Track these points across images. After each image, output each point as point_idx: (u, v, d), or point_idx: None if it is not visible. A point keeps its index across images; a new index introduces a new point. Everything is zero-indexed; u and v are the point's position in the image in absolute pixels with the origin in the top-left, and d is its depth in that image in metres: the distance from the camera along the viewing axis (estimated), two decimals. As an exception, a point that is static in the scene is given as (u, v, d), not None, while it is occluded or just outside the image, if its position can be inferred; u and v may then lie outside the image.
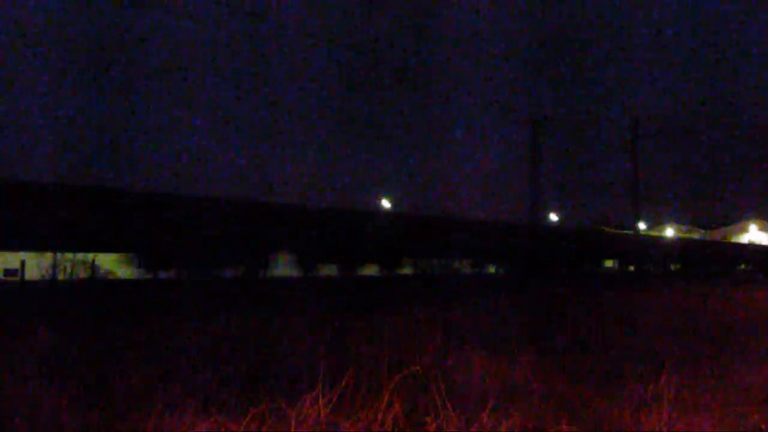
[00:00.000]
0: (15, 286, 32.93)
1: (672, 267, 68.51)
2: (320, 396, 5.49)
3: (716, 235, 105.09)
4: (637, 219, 63.37)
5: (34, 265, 44.90)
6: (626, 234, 63.16)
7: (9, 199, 22.50)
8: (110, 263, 38.19)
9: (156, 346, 10.27)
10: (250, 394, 6.43)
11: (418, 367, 6.63)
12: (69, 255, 45.44)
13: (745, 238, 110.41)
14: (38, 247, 29.06)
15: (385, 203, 64.52)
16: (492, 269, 47.20)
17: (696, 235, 69.75)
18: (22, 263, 44.12)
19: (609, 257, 61.16)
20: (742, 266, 79.82)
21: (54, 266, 44.31)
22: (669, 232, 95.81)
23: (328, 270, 34.49)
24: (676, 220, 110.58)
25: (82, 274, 43.93)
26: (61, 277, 43.58)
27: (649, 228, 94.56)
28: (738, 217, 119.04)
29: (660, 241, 70.26)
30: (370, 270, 36.42)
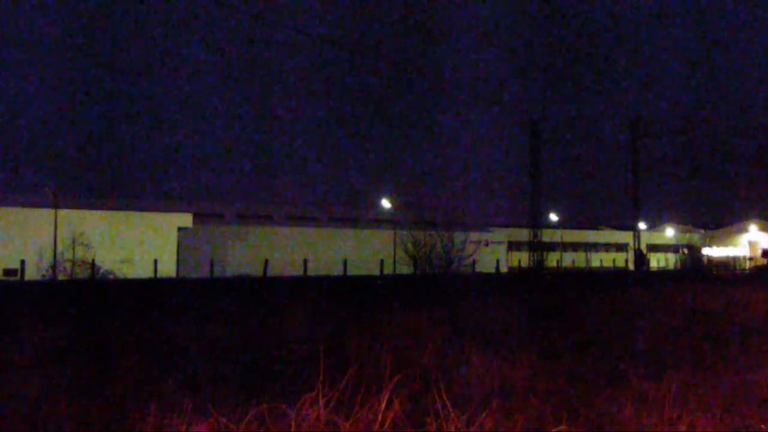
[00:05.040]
0: (14, 285, 32.90)
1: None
2: (320, 395, 5.47)
3: (716, 235, 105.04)
4: (637, 219, 63.37)
5: (34, 265, 44.87)
6: None
7: None
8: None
9: (155, 346, 10.25)
10: (250, 393, 6.41)
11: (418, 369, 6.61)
12: (69, 255, 45.43)
13: (745, 238, 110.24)
14: None
15: (385, 203, 64.36)
16: None
17: (696, 235, 69.57)
18: (22, 263, 44.06)
19: None
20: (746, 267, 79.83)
21: (54, 266, 44.27)
22: (669, 232, 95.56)
23: None
24: (676, 220, 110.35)
25: (83, 274, 43.92)
26: (61, 277, 43.56)
27: (649, 228, 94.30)
28: (738, 217, 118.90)
29: None
30: None
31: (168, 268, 51.26)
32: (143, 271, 48.06)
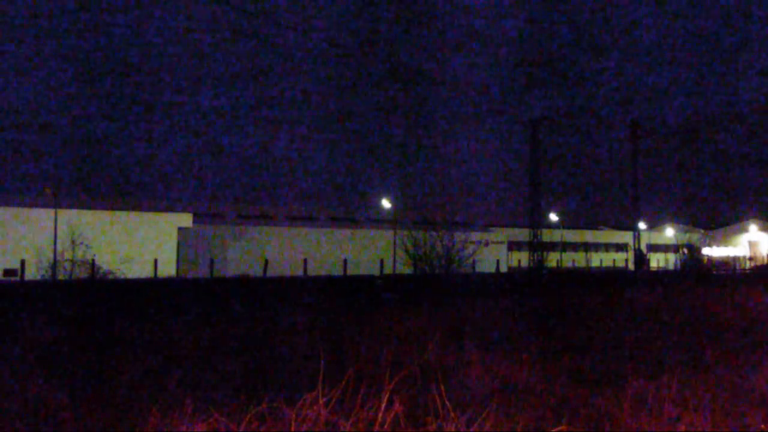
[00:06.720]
0: (14, 285, 32.90)
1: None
2: (320, 395, 5.47)
3: (716, 235, 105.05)
4: (637, 219, 63.36)
5: (34, 265, 44.84)
6: None
7: None
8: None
9: (155, 346, 10.26)
10: (250, 393, 6.41)
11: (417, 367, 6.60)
12: (69, 255, 45.45)
13: (745, 238, 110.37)
14: None
15: (385, 203, 64.36)
16: None
17: (696, 236, 69.49)
18: (22, 263, 44.05)
19: None
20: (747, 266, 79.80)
21: (54, 266, 44.24)
22: (669, 232, 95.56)
23: None
24: (676, 220, 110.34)
25: (82, 274, 43.88)
26: (61, 277, 43.52)
27: (649, 228, 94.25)
28: (738, 217, 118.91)
29: None
30: None
31: (168, 268, 51.26)
32: (143, 271, 48.03)
